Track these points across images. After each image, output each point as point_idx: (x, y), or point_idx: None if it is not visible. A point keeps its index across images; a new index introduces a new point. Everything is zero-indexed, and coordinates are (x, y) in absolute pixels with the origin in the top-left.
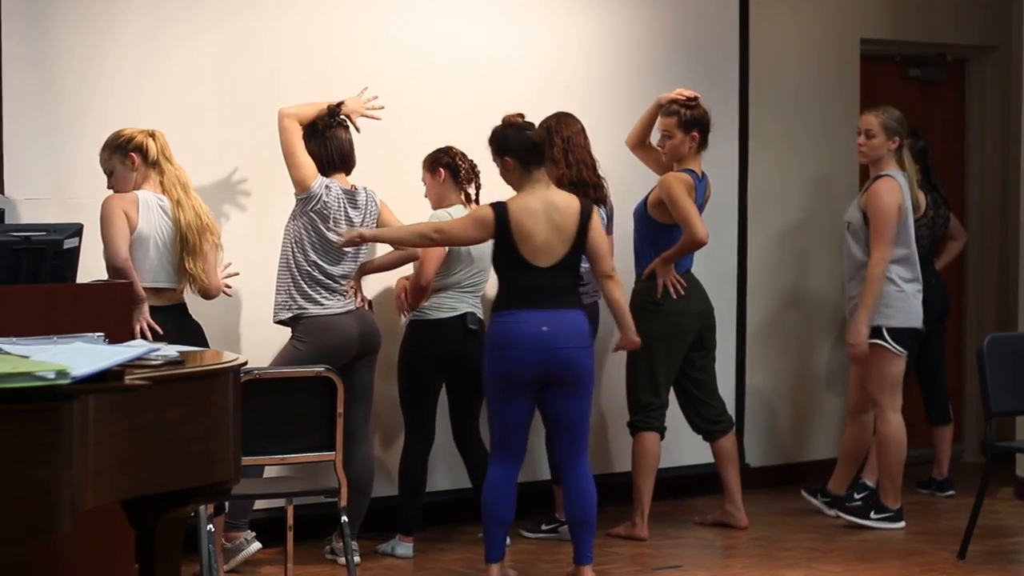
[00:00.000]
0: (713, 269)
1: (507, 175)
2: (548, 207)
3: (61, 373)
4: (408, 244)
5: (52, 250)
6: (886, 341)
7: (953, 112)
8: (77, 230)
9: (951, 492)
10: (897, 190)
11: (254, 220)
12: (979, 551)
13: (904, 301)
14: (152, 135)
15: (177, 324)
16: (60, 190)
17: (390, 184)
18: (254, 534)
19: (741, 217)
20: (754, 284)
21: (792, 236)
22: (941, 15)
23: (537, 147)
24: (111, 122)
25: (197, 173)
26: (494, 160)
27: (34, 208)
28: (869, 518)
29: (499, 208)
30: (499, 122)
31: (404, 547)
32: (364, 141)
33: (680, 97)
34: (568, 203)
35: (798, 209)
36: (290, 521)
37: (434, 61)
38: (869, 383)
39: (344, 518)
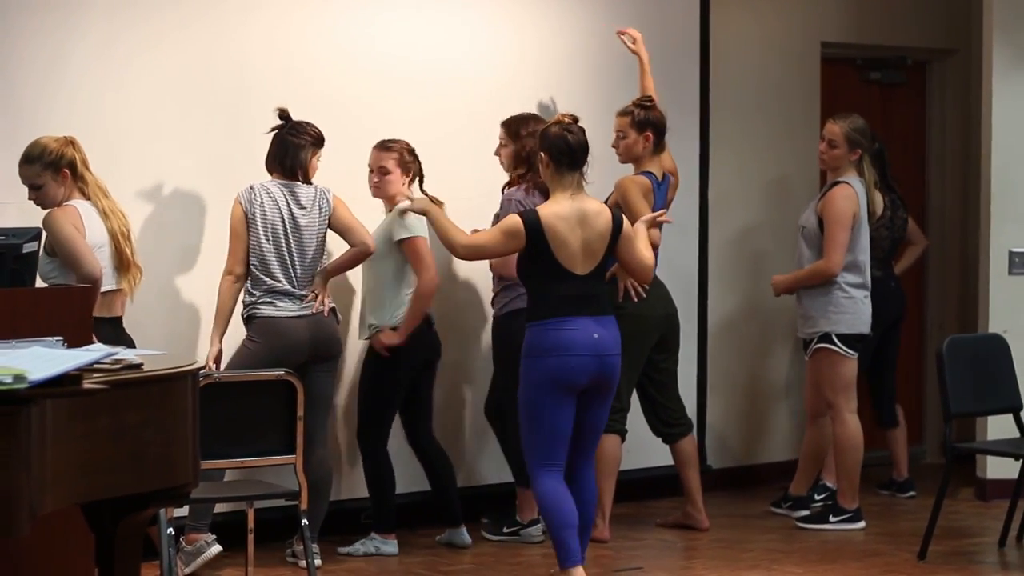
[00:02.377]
0: (674, 271)
1: (543, 171)
2: (580, 214)
3: (18, 377)
4: (443, 242)
5: (11, 254)
6: (836, 345)
7: (913, 115)
8: (36, 234)
9: (912, 493)
10: (853, 197)
11: (214, 226)
12: (939, 552)
13: (853, 307)
14: (72, 143)
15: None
16: (20, 195)
17: (352, 186)
18: (214, 537)
19: (702, 219)
20: (715, 286)
21: (752, 238)
22: (901, 18)
23: (571, 151)
24: (73, 128)
25: (157, 179)
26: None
27: None
28: (828, 522)
29: (529, 217)
30: (457, 124)
31: (391, 545)
32: (327, 144)
33: (629, 37)
34: (600, 211)
35: (758, 211)
36: (251, 524)
37: (396, 65)
38: (823, 387)
39: (304, 521)
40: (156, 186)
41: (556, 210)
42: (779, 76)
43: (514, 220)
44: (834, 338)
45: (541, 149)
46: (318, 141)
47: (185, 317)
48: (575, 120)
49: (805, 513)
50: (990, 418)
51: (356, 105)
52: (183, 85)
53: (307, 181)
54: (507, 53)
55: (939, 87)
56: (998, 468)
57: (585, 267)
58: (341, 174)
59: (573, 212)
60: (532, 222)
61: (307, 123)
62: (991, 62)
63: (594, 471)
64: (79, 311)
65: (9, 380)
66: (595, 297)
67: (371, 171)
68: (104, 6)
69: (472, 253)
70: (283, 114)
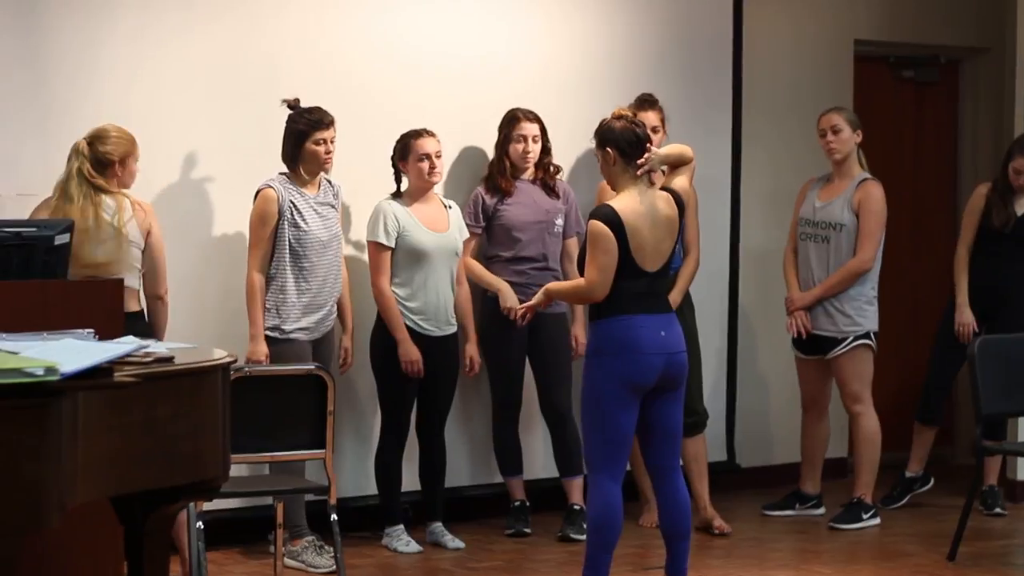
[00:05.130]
0: (705, 268)
1: (606, 168)
2: (652, 209)
3: (50, 369)
4: (575, 300)
5: (43, 246)
6: (873, 342)
7: (946, 113)
8: (68, 226)
9: (930, 483)
10: (883, 195)
11: (242, 218)
12: (969, 553)
13: (876, 305)
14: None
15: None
16: (52, 186)
17: (383, 179)
18: (315, 536)
19: (734, 217)
20: (746, 283)
21: (785, 236)
22: (934, 17)
23: (642, 143)
24: (104, 119)
25: (186, 169)
26: (595, 152)
27: (25, 204)
28: (862, 520)
29: (610, 217)
30: (488, 118)
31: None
32: (356, 137)
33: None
34: (668, 203)
35: (791, 210)
36: (280, 519)
37: (427, 58)
38: (853, 383)
39: (334, 516)
40: (185, 177)
41: (631, 206)
42: (812, 74)
43: (599, 227)
44: (872, 335)
45: (606, 146)
46: (314, 125)
47: (212, 309)
48: (635, 113)
49: (821, 512)
50: (1021, 419)
51: (387, 98)
52: (214, 76)
53: (302, 170)
54: (540, 47)
55: (972, 86)
56: None
57: (655, 264)
58: (371, 166)
59: (647, 208)
60: (614, 220)
61: (307, 108)
62: None
63: (683, 479)
64: (110, 303)
65: (41, 372)
66: (661, 295)
67: (428, 158)
68: None
69: (603, 285)
70: (290, 104)
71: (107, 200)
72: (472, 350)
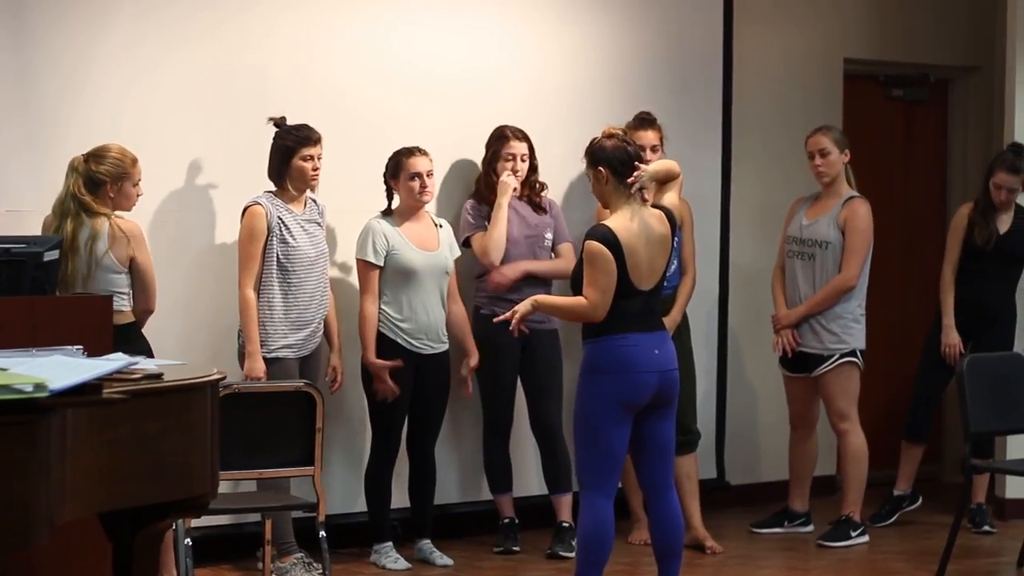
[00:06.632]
0: (695, 285)
1: (598, 187)
2: (646, 227)
3: (39, 386)
4: (574, 318)
5: (32, 262)
6: (859, 359)
7: (936, 132)
8: (57, 243)
9: (919, 502)
10: (870, 213)
11: (233, 233)
12: (957, 571)
13: (864, 321)
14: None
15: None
16: (42, 202)
17: (372, 197)
18: (303, 553)
19: (723, 234)
20: (735, 300)
21: (774, 253)
22: (924, 35)
23: (634, 162)
24: (95, 135)
25: (177, 185)
26: (587, 172)
27: (15, 220)
28: (850, 537)
29: (607, 237)
30: (480, 135)
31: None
32: (347, 155)
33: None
34: (661, 221)
35: (780, 227)
36: (268, 535)
37: (418, 75)
38: (839, 400)
39: (322, 533)
40: (175, 194)
41: (626, 225)
42: (801, 92)
43: (597, 248)
44: (858, 353)
45: (597, 165)
46: (301, 141)
47: (204, 326)
48: (625, 133)
49: (809, 530)
50: (1009, 437)
51: (377, 114)
52: (204, 93)
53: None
54: (531, 63)
55: (962, 104)
56: (1017, 487)
57: (649, 282)
58: (360, 184)
59: (641, 226)
60: (611, 240)
61: (295, 125)
62: (1014, 80)
63: (676, 496)
64: (100, 320)
65: (29, 389)
66: (654, 312)
67: (420, 177)
68: (127, 12)
69: (604, 306)
70: (277, 122)
71: (89, 221)
72: (473, 362)
